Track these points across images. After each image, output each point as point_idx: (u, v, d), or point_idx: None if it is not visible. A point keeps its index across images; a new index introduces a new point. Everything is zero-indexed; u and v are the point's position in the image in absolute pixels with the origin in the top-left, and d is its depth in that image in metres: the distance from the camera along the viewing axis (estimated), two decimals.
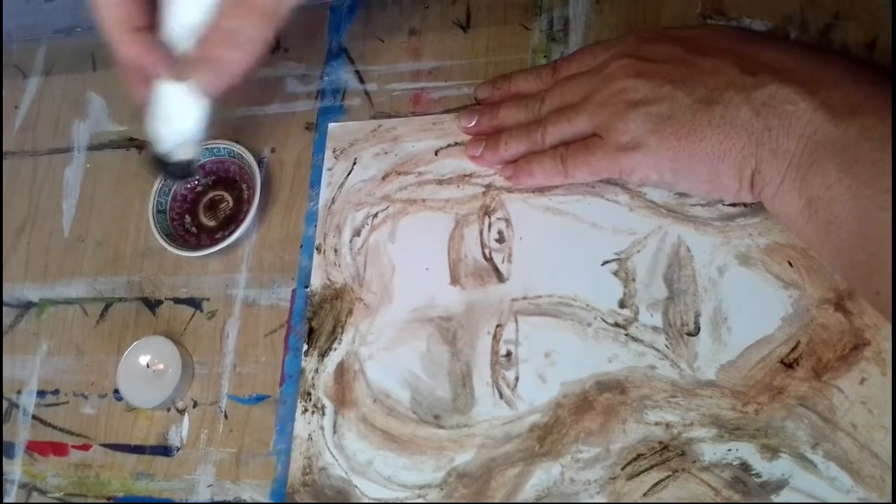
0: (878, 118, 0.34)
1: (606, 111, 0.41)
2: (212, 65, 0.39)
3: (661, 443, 0.39)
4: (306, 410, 0.45)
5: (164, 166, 0.43)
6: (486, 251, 0.45)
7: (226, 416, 0.47)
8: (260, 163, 0.51)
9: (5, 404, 0.52)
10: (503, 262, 0.45)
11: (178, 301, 0.50)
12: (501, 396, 0.42)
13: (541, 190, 0.45)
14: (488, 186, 0.46)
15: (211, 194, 0.52)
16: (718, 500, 0.38)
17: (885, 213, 0.33)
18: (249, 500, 0.45)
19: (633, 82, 0.40)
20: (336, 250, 0.48)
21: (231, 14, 0.38)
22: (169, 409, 0.48)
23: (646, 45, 0.42)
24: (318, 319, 0.47)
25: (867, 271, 0.35)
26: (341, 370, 0.45)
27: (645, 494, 0.39)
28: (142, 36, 0.39)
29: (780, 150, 0.36)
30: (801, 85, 0.36)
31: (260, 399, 0.47)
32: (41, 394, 0.51)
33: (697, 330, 0.41)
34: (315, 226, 0.49)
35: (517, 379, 0.42)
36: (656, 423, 0.40)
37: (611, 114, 0.40)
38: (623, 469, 0.40)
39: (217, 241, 0.49)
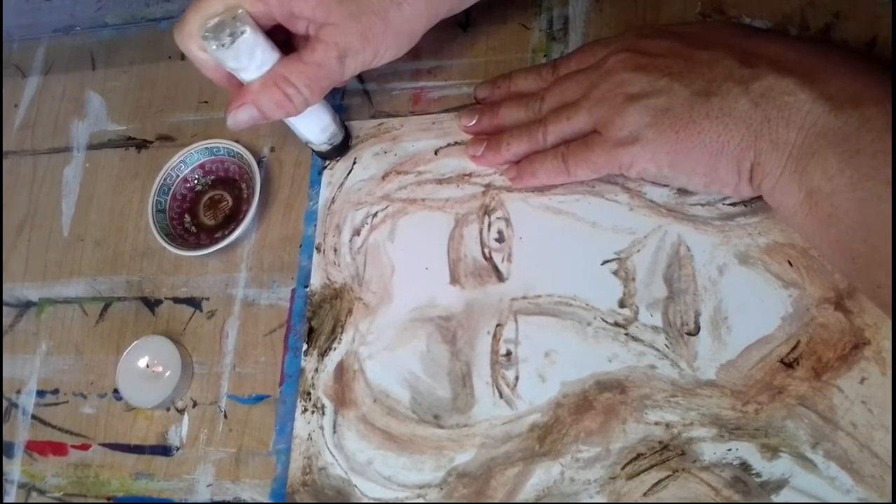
0: (878, 109, 0.34)
1: (605, 106, 0.41)
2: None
3: (661, 442, 0.39)
4: (306, 410, 0.45)
5: (325, 155, 0.50)
6: (486, 251, 0.45)
7: (225, 416, 0.47)
8: (259, 162, 0.51)
9: (5, 404, 0.52)
10: (503, 261, 0.45)
11: (177, 301, 0.50)
12: (501, 396, 0.42)
13: (540, 189, 0.45)
14: (488, 186, 0.46)
15: (210, 193, 0.52)
16: (718, 500, 0.38)
17: (886, 205, 0.33)
18: (249, 500, 0.45)
19: (631, 76, 0.40)
20: (336, 250, 0.48)
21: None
22: (168, 409, 0.48)
23: (644, 40, 0.42)
24: (317, 319, 0.47)
25: (868, 264, 0.35)
26: (341, 370, 0.45)
27: (645, 494, 0.39)
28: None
29: (779, 141, 0.36)
30: (799, 76, 0.36)
31: (259, 399, 0.47)
32: (40, 393, 0.51)
33: (697, 329, 0.41)
34: (315, 225, 0.49)
35: (517, 378, 0.42)
36: (656, 423, 0.40)
37: (609, 109, 0.40)
38: (623, 469, 0.40)
39: (217, 241, 0.49)
